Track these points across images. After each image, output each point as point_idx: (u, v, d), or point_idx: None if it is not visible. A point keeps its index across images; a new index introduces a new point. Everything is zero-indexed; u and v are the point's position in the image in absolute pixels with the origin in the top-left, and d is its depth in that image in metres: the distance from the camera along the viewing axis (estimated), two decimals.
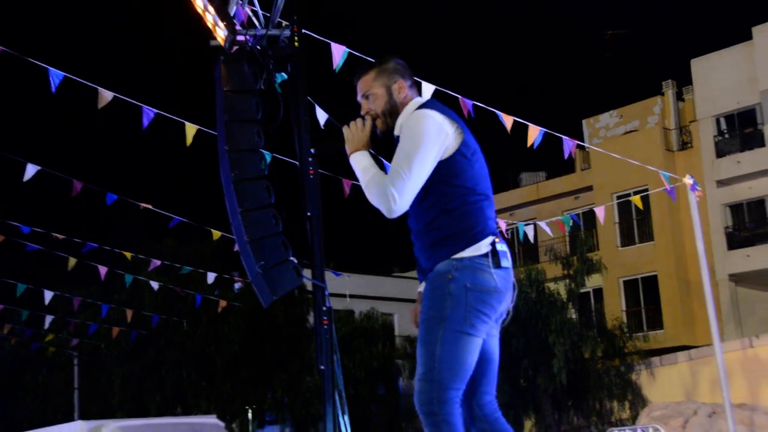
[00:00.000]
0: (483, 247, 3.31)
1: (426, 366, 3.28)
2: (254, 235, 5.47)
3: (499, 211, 35.47)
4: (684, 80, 30.27)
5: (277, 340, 23.97)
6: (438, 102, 3.51)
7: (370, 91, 3.54)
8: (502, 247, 3.34)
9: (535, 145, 7.98)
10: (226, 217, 5.68)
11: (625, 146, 26.92)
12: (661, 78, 31.33)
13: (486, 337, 3.39)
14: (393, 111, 3.52)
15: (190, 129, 7.51)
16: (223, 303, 17.13)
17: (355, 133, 3.50)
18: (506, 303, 3.40)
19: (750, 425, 15.83)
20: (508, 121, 7.62)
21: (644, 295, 29.22)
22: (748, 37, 27.28)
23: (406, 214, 3.46)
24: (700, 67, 28.53)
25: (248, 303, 21.22)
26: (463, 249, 3.31)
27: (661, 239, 28.58)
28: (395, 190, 3.28)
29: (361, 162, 3.45)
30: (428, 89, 6.82)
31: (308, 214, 5.57)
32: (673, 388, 19.85)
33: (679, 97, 30.94)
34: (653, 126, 30.32)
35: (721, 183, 27.83)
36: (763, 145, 26.96)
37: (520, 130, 7.97)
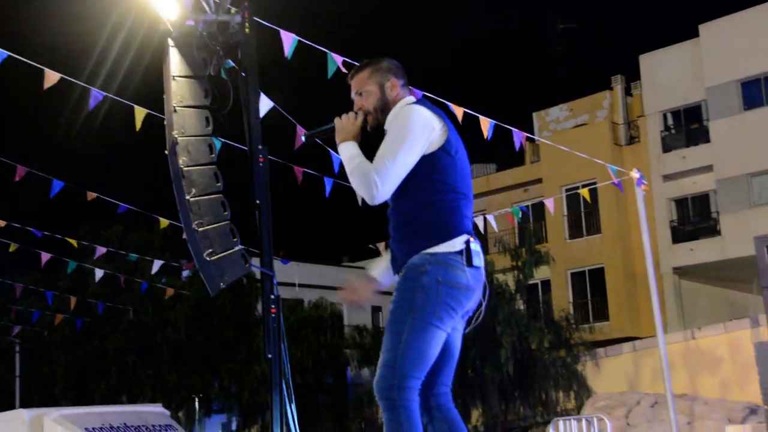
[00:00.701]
0: (457, 244, 3.41)
1: (390, 353, 3.35)
2: (202, 223, 5.42)
3: None
4: (633, 75, 30.70)
5: (225, 328, 23.82)
6: (427, 101, 3.63)
7: (364, 89, 3.64)
8: (476, 246, 3.45)
9: (488, 138, 8.03)
10: (174, 203, 5.61)
11: (575, 140, 27.21)
12: (611, 73, 31.72)
13: (450, 331, 3.48)
14: (384, 108, 3.61)
15: (140, 113, 7.40)
16: (170, 291, 16.96)
17: (346, 124, 3.59)
18: (474, 301, 3.52)
19: (690, 415, 16.16)
20: (458, 112, 7.65)
21: (591, 287, 29.62)
22: (695, 34, 27.74)
23: (386, 206, 3.54)
24: (648, 62, 28.94)
25: (195, 291, 21.05)
26: (437, 244, 3.40)
27: (608, 232, 28.97)
28: (378, 177, 3.37)
29: (349, 151, 3.53)
30: None
31: (257, 201, 5.53)
32: (618, 378, 20.16)
33: (628, 92, 31.35)
34: (602, 120, 30.69)
35: (667, 177, 28.29)
36: (708, 141, 27.45)
37: (471, 122, 8.00)
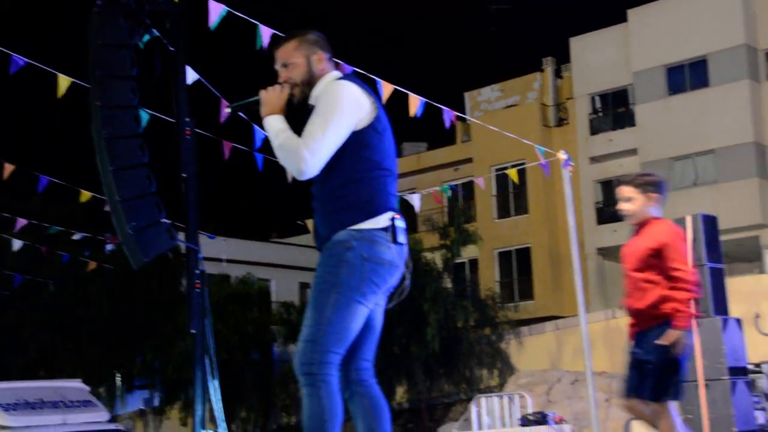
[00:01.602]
0: (382, 221, 3.42)
1: (312, 328, 3.35)
2: (126, 195, 5.30)
3: None
4: (563, 58, 31.09)
5: (149, 303, 23.50)
6: (355, 77, 3.61)
7: (290, 60, 3.60)
8: (400, 223, 3.47)
9: (417, 115, 8.04)
10: (98, 175, 5.48)
11: (505, 120, 27.47)
12: (542, 55, 32.10)
13: (373, 307, 3.50)
14: (310, 81, 3.58)
15: (63, 81, 7.21)
16: (92, 264, 16.62)
17: (272, 97, 3.54)
18: (397, 277, 3.53)
19: (608, 392, 16.57)
20: (387, 89, 7.63)
21: (517, 267, 30.06)
22: (624, 18, 28.20)
23: (311, 182, 3.52)
24: (578, 45, 29.34)
25: (119, 265, 20.68)
26: (363, 220, 3.40)
27: (536, 212, 29.39)
28: (308, 152, 3.34)
29: (275, 125, 3.49)
30: None
31: (183, 175, 5.45)
32: (540, 356, 20.53)
33: (558, 74, 31.76)
34: (532, 102, 31.04)
35: (593, 159, 28.80)
36: (633, 124, 28.01)
37: (402, 100, 7.99)
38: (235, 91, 3.60)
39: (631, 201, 4.83)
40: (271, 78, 3.67)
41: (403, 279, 4.16)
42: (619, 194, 4.90)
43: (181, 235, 5.47)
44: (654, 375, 4.72)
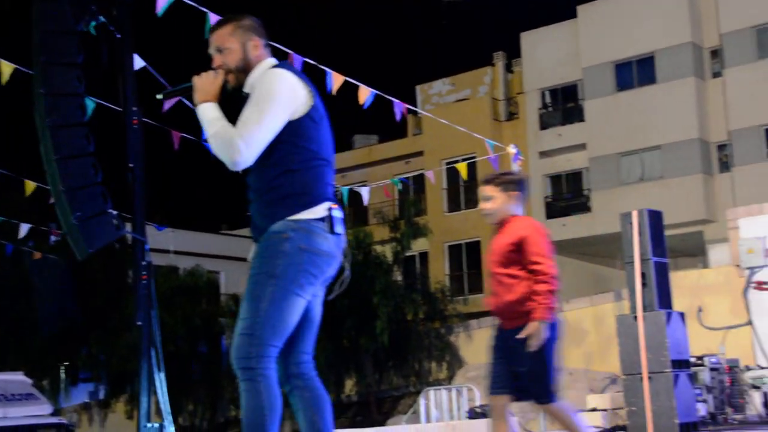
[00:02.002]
0: (320, 211, 3.38)
1: (249, 321, 3.30)
2: (70, 185, 5.21)
3: None
4: (514, 53, 31.30)
5: (95, 294, 23.17)
6: (291, 65, 3.56)
7: (225, 46, 3.52)
8: (337, 213, 3.43)
9: (365, 106, 8.04)
10: (42, 165, 5.38)
11: (456, 114, 27.59)
12: (493, 49, 32.28)
13: (311, 298, 3.46)
14: (246, 68, 3.51)
15: (6, 68, 7.06)
16: (37, 255, 16.34)
17: (206, 83, 3.47)
18: (335, 267, 3.50)
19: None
20: (338, 80, 7.60)
21: (467, 260, 30.24)
22: (574, 15, 28.48)
23: (247, 172, 3.46)
24: (529, 41, 29.56)
25: (64, 256, 20.33)
26: (300, 211, 3.35)
27: None
28: (242, 142, 3.28)
29: (209, 112, 3.42)
30: None
31: (130, 165, 5.37)
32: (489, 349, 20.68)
33: (509, 68, 31.97)
34: (483, 96, 31.21)
35: (543, 154, 29.07)
36: (582, 120, 28.32)
37: (353, 92, 7.98)
38: (183, 80, 3.53)
39: (492, 200, 4.80)
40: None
41: (342, 269, 4.16)
42: (480, 193, 4.88)
43: (128, 226, 5.40)
44: (535, 381, 4.68)
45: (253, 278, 3.35)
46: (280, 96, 3.35)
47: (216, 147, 3.36)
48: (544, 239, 4.74)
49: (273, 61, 3.57)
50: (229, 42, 3.52)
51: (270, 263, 3.32)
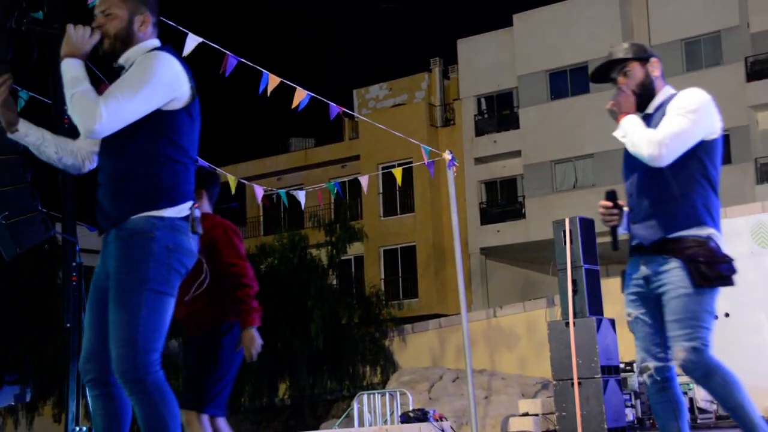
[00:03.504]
0: (184, 210, 3.30)
1: (128, 330, 3.16)
2: None
3: (268, 175, 35.11)
4: (451, 59, 31.54)
5: (22, 296, 22.64)
6: (176, 52, 3.40)
7: (111, 10, 3.35)
8: (198, 213, 3.36)
9: (300, 108, 8.01)
10: None
11: (393, 119, 27.66)
12: (430, 55, 32.47)
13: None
14: (126, 40, 3.35)
15: None
16: None
17: (79, 37, 3.29)
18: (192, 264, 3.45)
19: (488, 389, 16.93)
20: (273, 81, 7.56)
21: (402, 265, 30.33)
22: (510, 23, 28.82)
23: (103, 153, 3.33)
24: (466, 47, 29.81)
25: None
26: (165, 207, 3.25)
27: (421, 211, 29.72)
28: (106, 110, 3.11)
29: (74, 70, 3.25)
30: (193, 41, 6.63)
31: None
32: (423, 354, 20.78)
33: (446, 75, 32.19)
34: (420, 101, 31.38)
35: (478, 160, 29.33)
36: (518, 127, 28.66)
37: (289, 94, 7.95)
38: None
39: None
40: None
41: (200, 265, 4.12)
42: None
43: (59, 227, 5.30)
44: (215, 383, 4.40)
45: (123, 284, 3.20)
46: (161, 79, 3.20)
47: (74, 108, 3.17)
48: (237, 238, 4.47)
49: (157, 42, 3.41)
50: (118, 8, 3.35)
51: (139, 267, 3.19)
